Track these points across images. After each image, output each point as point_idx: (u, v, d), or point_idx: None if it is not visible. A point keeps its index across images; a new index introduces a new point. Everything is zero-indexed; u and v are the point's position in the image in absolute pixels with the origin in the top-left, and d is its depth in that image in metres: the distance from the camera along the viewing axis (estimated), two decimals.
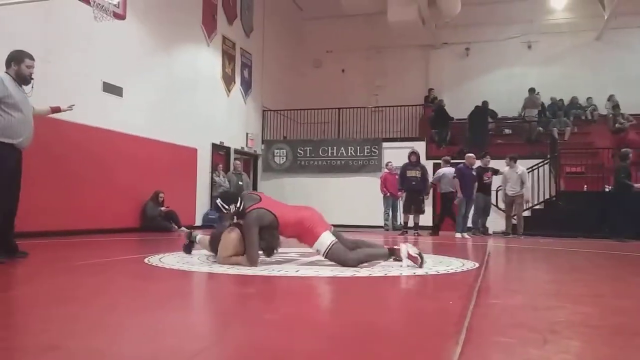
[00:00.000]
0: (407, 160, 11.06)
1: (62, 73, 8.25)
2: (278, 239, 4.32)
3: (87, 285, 3.40)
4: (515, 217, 11.06)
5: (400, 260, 4.29)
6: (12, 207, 4.38)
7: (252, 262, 4.13)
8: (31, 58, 4.47)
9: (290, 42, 17.73)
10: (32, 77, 4.47)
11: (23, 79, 4.43)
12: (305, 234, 4.31)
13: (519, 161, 11.18)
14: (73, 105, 5.18)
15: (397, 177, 11.65)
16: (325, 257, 4.28)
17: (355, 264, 4.20)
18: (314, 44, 18.21)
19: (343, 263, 4.21)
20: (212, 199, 11.97)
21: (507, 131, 15.57)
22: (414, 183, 10.79)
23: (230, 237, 4.29)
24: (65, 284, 3.44)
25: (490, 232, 11.25)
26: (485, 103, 14.94)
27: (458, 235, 10.46)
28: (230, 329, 2.22)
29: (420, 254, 4.26)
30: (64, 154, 8.05)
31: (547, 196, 12.74)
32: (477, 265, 4.65)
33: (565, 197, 12.35)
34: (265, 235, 4.21)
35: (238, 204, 4.27)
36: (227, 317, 2.52)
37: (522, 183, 10.89)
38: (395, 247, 4.41)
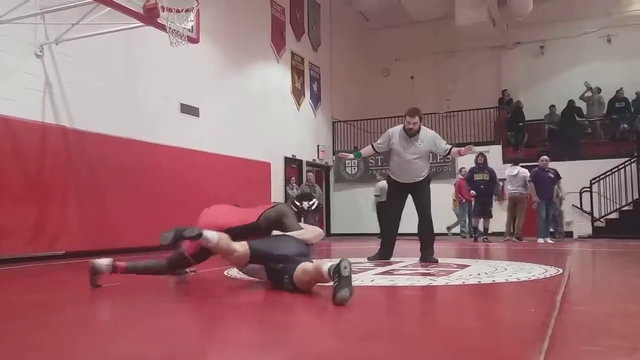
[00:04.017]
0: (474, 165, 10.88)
1: (145, 97, 8.77)
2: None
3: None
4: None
5: None
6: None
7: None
8: (411, 115, 5.68)
9: (357, 52, 17.82)
10: (412, 130, 5.67)
11: (406, 131, 5.75)
12: None
13: None
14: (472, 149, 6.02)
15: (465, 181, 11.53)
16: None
17: None
18: (381, 53, 18.19)
19: None
20: None
21: (588, 130, 14.86)
22: (482, 187, 10.57)
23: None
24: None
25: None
26: (571, 102, 14.43)
27: (541, 240, 10.06)
28: (307, 340, 2.26)
29: None
30: (147, 174, 8.48)
31: (635, 196, 12.00)
32: (560, 271, 4.45)
33: None
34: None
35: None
36: (303, 327, 2.56)
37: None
38: None
